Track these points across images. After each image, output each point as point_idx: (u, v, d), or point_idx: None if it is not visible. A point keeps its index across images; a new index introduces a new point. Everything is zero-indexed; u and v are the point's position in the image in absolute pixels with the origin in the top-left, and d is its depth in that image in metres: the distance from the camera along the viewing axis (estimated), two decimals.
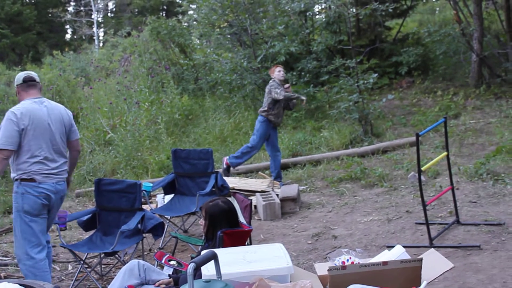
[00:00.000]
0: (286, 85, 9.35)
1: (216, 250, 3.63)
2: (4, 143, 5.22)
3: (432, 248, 4.43)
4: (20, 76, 5.61)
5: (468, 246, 5.92)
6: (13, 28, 26.73)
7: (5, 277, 6.27)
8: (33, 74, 5.65)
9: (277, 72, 9.37)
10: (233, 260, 3.90)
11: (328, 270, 3.74)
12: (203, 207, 4.94)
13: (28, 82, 5.55)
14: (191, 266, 2.93)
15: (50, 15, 31.87)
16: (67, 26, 33.33)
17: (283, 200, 8.34)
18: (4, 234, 8.54)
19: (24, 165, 5.34)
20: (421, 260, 3.79)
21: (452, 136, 10.36)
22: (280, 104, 9.28)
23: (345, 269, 3.73)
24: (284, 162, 10.62)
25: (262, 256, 3.98)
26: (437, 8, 23.02)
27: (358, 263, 4.01)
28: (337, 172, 9.89)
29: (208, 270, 3.64)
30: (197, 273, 3.28)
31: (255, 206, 8.48)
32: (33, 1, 30.70)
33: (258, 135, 9.36)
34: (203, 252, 3.68)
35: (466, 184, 8.16)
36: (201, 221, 4.96)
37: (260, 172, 10.36)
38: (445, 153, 6.74)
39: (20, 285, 3.65)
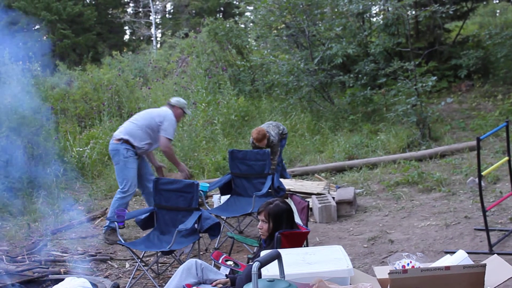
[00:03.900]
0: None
1: None
2: None
3: (495, 254, 4.34)
4: None
5: None
6: (74, 29, 27.30)
7: (65, 273, 6.39)
8: (172, 98, 8.48)
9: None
10: (292, 261, 3.91)
11: (388, 273, 3.71)
12: (263, 211, 4.88)
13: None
14: (255, 265, 2.94)
15: (109, 16, 32.48)
16: (126, 27, 33.94)
17: (339, 203, 8.29)
18: (63, 231, 8.67)
19: None
20: (484, 265, 3.72)
21: None
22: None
23: (406, 273, 3.68)
24: (340, 164, 10.60)
25: (322, 258, 3.98)
26: (498, 10, 22.59)
27: (419, 267, 3.95)
28: (394, 175, 9.78)
29: (267, 270, 3.65)
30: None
31: (311, 209, 8.43)
32: (93, 2, 31.33)
33: None
34: (262, 253, 3.68)
35: None
36: (260, 225, 4.92)
37: (316, 175, 10.33)
38: (507, 158, 6.61)
39: None
